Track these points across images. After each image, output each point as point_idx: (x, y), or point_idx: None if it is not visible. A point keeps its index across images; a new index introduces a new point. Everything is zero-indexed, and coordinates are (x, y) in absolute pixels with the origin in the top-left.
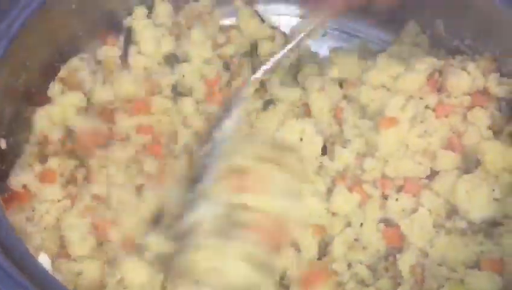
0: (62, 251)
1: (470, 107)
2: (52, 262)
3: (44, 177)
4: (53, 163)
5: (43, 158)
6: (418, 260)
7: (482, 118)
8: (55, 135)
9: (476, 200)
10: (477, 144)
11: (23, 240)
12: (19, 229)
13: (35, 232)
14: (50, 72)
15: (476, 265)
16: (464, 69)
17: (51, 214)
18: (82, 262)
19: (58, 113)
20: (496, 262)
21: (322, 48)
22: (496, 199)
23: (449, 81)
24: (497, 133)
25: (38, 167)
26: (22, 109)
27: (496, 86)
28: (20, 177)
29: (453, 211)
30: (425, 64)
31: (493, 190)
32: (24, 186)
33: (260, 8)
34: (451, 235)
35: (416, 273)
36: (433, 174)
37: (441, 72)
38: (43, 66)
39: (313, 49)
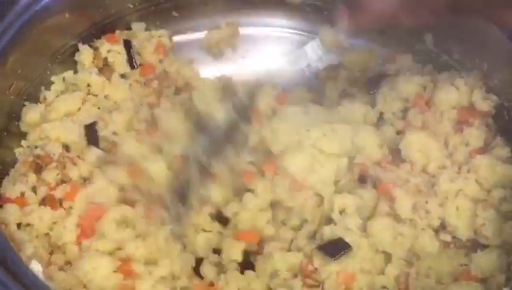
0: (53, 259)
1: (458, 122)
2: (43, 270)
3: (41, 188)
4: (50, 174)
5: (37, 168)
6: (402, 270)
7: (472, 134)
8: (52, 148)
9: (465, 219)
10: (469, 160)
11: (14, 248)
12: (8, 236)
13: (28, 241)
14: (43, 80)
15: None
16: (452, 84)
17: (45, 223)
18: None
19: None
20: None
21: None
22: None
23: (437, 96)
24: (485, 148)
25: (32, 178)
26: (13, 117)
27: (481, 101)
28: (16, 187)
29: (441, 226)
30: (413, 84)
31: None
32: (18, 195)
33: None
34: (440, 248)
35: (401, 283)
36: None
37: (425, 88)
38: (35, 74)
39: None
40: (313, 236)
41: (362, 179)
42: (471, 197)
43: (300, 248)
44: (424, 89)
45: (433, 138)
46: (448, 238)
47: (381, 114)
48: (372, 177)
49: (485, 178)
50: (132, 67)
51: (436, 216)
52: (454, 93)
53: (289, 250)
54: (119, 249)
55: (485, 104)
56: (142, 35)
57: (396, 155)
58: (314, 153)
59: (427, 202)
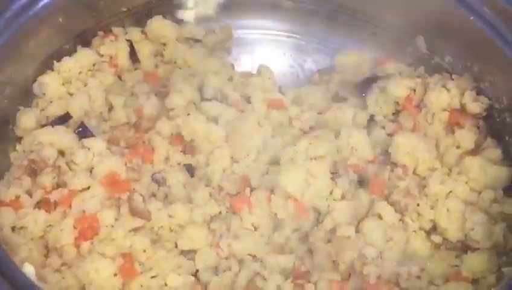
0: (49, 262)
1: (449, 124)
2: (37, 272)
3: (36, 192)
4: (45, 178)
5: (32, 172)
6: (392, 269)
7: (464, 135)
8: (47, 153)
9: (455, 221)
10: (459, 161)
11: (8, 250)
12: (2, 240)
13: (23, 244)
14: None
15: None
16: (444, 86)
17: (40, 226)
18: (67, 272)
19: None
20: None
21: (306, 62)
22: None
23: (429, 97)
24: (476, 150)
25: (26, 181)
26: (7, 122)
27: (472, 103)
28: (10, 190)
29: (432, 227)
30: (403, 87)
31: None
32: (13, 199)
33: None
34: (431, 249)
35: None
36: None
37: (415, 91)
38: (29, 79)
39: (298, 62)
40: (305, 238)
41: (361, 181)
42: (462, 199)
43: (293, 250)
44: (414, 92)
45: (422, 139)
46: (439, 239)
47: (372, 117)
48: (366, 178)
49: (476, 180)
50: (134, 61)
51: (427, 218)
52: (445, 96)
53: (281, 252)
54: (124, 253)
55: (476, 106)
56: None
57: (387, 157)
58: (308, 165)
59: (418, 205)
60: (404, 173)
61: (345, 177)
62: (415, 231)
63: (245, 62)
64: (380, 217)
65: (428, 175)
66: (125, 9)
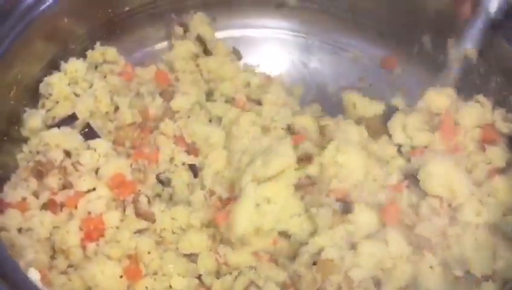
0: (55, 263)
1: (481, 141)
2: (44, 276)
3: (42, 193)
4: (52, 180)
5: (38, 174)
6: None
7: (495, 153)
8: (53, 154)
9: (484, 256)
10: (489, 179)
11: (14, 252)
12: (9, 241)
13: (29, 245)
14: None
15: None
16: (476, 101)
17: (46, 228)
18: (73, 274)
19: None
20: None
21: (311, 60)
22: (500, 257)
23: (461, 114)
24: (506, 168)
25: (33, 183)
26: (14, 122)
27: (501, 122)
28: (17, 192)
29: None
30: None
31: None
32: (19, 200)
33: None
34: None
35: None
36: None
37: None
38: (35, 80)
39: (303, 61)
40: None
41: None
42: (491, 229)
43: (284, 266)
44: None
45: (455, 166)
46: (460, 273)
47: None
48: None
49: (505, 202)
50: None
51: (453, 251)
52: (477, 110)
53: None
54: (130, 254)
55: (505, 126)
56: None
57: (411, 180)
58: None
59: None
60: (441, 207)
61: (326, 208)
62: (431, 267)
63: (250, 61)
64: (385, 243)
65: (459, 205)
66: (128, 9)
